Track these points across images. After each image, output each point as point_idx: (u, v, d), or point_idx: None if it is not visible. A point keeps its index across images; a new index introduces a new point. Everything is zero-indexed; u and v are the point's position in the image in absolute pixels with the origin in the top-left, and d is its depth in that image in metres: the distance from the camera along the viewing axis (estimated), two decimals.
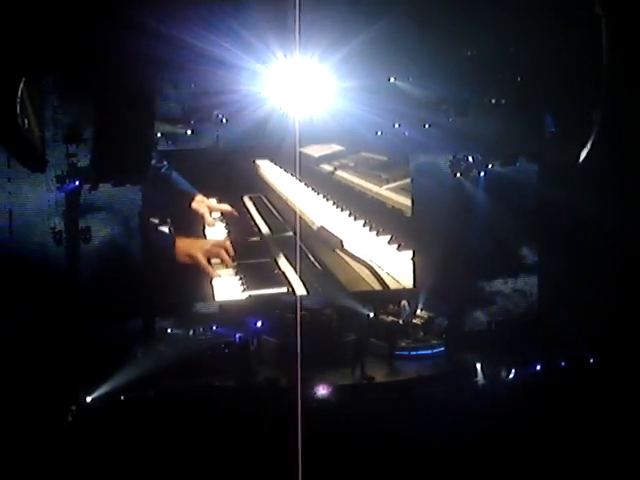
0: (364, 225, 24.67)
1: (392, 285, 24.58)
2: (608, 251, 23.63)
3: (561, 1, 19.90)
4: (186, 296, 24.53)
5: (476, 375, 22.52)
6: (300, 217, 23.96)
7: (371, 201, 24.99)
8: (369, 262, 24.33)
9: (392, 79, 22.60)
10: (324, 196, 25.03)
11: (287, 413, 19.88)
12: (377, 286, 24.34)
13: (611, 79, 20.53)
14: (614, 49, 19.93)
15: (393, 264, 24.62)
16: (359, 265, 24.32)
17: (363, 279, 24.32)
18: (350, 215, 24.78)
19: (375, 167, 25.35)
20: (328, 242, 24.40)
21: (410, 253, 24.85)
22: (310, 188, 24.98)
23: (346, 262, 24.32)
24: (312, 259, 24.13)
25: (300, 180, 24.38)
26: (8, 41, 17.57)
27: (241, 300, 24.06)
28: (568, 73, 20.90)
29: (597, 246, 23.78)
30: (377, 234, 24.61)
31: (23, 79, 18.95)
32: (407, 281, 24.92)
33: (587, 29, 19.85)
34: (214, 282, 24.15)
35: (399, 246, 24.66)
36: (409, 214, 25.00)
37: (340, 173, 25.22)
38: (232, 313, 24.55)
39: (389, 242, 24.62)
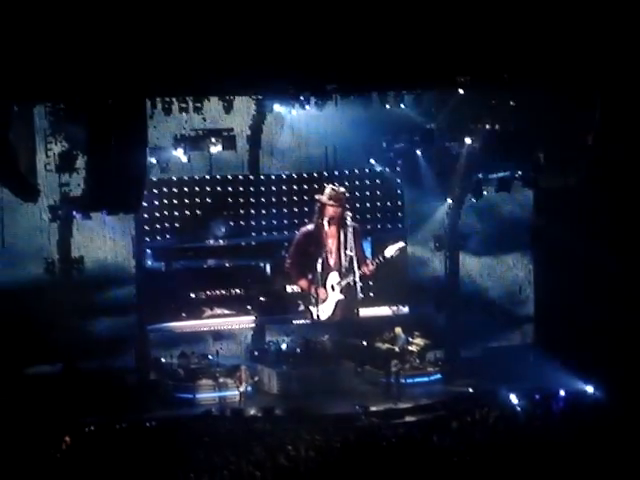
0: None
1: None
2: (606, 277, 23.55)
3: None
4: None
5: (473, 402, 22.39)
6: None
7: None
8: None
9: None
10: None
11: (284, 441, 19.84)
12: None
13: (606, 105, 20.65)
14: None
15: None
16: None
17: None
18: None
19: None
20: None
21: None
22: None
23: None
24: None
25: None
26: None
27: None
28: (563, 100, 21.00)
29: (595, 273, 23.70)
30: None
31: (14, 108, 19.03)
32: None
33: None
34: None
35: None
36: None
37: None
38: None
39: None
